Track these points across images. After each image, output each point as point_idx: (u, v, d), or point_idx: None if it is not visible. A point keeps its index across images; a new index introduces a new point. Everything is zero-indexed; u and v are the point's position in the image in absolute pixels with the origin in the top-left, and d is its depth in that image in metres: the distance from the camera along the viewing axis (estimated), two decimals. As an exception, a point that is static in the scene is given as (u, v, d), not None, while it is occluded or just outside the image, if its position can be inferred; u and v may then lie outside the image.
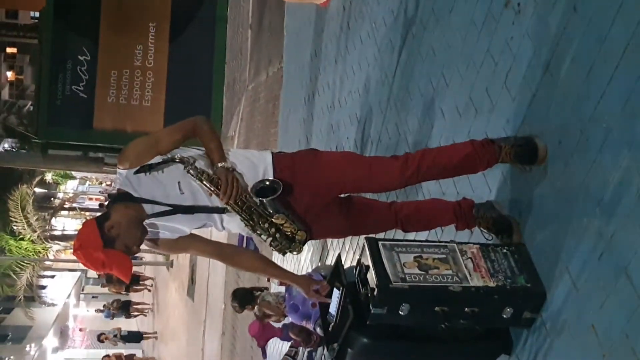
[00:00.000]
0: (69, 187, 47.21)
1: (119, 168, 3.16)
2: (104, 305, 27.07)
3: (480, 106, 3.86)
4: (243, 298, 7.06)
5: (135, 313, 27.96)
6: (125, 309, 26.47)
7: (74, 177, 44.36)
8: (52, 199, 38.73)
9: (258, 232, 3.20)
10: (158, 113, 12.66)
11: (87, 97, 12.36)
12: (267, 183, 3.15)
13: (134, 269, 29.87)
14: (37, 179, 27.85)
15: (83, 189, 50.08)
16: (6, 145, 29.46)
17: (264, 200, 3.13)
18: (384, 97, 5.40)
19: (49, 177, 36.93)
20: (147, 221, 3.15)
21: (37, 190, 29.67)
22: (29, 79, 44.85)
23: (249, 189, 3.14)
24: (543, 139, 3.20)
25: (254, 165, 3.25)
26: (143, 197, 3.14)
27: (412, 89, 4.86)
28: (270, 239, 3.19)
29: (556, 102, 3.18)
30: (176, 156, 3.15)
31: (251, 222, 3.18)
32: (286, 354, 6.89)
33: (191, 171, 3.11)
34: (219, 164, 3.12)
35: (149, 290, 28.69)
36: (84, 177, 47.11)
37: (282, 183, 3.15)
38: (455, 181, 3.87)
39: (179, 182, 3.16)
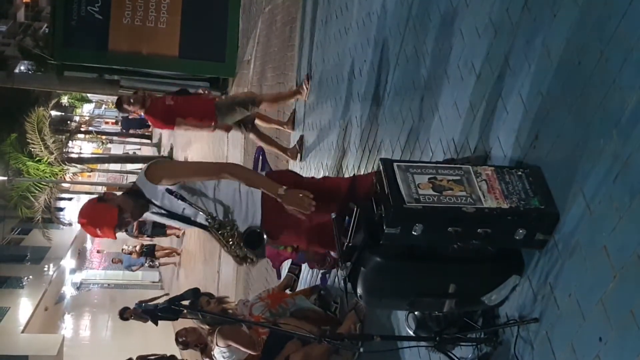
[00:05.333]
0: (85, 110, 47.29)
1: (145, 177, 3.72)
2: (122, 250, 22.89)
3: (499, 27, 3.80)
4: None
5: (162, 261, 23.79)
6: (150, 254, 22.49)
7: (90, 101, 44.38)
8: (68, 122, 38.89)
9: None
10: (173, 35, 12.56)
11: (102, 18, 12.27)
12: (258, 231, 3.86)
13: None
14: (54, 101, 27.85)
15: (99, 113, 50.16)
16: (22, 68, 29.45)
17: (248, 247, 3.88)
18: (402, 18, 5.31)
19: (65, 100, 36.96)
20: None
21: (54, 113, 29.73)
22: (44, 0, 44.50)
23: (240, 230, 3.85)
24: (564, 59, 3.17)
25: (242, 207, 3.85)
26: (151, 200, 3.76)
27: (431, 9, 4.78)
28: (226, 248, 3.87)
29: (577, 22, 3.12)
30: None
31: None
32: (289, 271, 6.99)
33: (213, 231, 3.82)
34: (279, 193, 3.67)
35: (178, 237, 24.02)
36: (100, 100, 47.12)
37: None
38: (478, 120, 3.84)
39: (183, 209, 3.80)
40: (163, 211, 3.80)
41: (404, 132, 5.02)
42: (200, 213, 3.81)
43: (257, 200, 3.86)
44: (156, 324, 4.54)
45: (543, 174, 3.15)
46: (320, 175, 6.55)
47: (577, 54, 3.07)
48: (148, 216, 3.89)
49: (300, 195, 3.65)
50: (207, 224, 3.81)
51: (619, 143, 2.71)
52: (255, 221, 3.87)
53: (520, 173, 3.15)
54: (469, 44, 4.15)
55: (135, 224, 20.61)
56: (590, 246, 2.83)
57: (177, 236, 23.36)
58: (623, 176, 2.68)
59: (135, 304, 7.92)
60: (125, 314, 11.88)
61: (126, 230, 20.59)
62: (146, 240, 23.12)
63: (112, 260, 24.54)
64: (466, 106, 4.04)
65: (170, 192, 3.73)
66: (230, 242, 3.81)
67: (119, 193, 3.94)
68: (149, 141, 39.48)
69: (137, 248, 22.18)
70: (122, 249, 22.68)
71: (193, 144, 21.68)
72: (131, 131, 35.77)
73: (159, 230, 21.97)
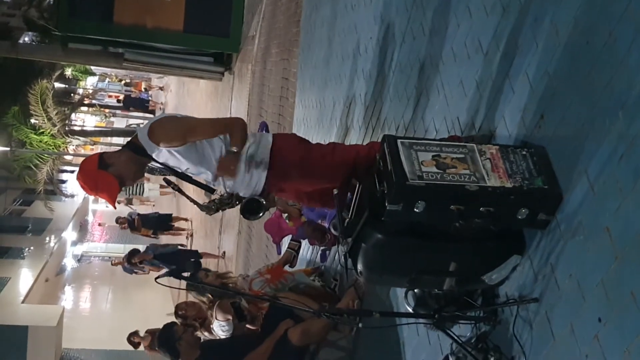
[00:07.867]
0: (89, 83, 47.18)
1: (149, 138, 3.60)
2: (123, 258, 18.27)
3: (508, 5, 3.77)
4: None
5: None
6: None
7: (93, 74, 44.28)
8: (71, 94, 38.80)
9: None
10: (179, 9, 12.52)
11: (107, -10, 12.24)
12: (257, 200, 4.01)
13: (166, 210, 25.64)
14: (57, 73, 27.76)
15: (102, 86, 50.05)
16: (27, 39, 29.32)
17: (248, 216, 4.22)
18: (409, -5, 5.28)
19: (68, 72, 36.86)
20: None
21: (57, 85, 29.65)
22: (49, -29, 44.18)
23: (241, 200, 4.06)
24: (572, 38, 3.14)
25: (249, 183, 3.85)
26: (154, 157, 3.67)
27: (438, -13, 4.74)
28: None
29: (586, 1, 3.09)
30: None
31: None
32: (289, 247, 6.99)
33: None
34: (232, 149, 3.69)
35: (187, 238, 21.11)
36: (104, 73, 47.02)
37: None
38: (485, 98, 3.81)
39: (187, 168, 3.78)
40: (165, 167, 3.76)
41: (409, 110, 5.00)
42: (202, 174, 3.83)
43: (262, 175, 3.82)
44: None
45: (548, 153, 3.14)
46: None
47: (585, 34, 3.04)
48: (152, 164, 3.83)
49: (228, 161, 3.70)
50: (210, 185, 3.92)
51: (624, 124, 2.70)
52: (257, 190, 3.87)
53: (524, 152, 3.14)
54: (477, 22, 4.12)
55: (137, 220, 18.78)
56: (592, 227, 2.82)
57: (187, 235, 21.05)
58: (628, 157, 2.66)
59: (147, 246, 7.87)
60: (133, 258, 11.33)
61: (130, 228, 19.69)
62: (152, 238, 20.86)
63: (111, 263, 23.24)
64: (472, 85, 4.02)
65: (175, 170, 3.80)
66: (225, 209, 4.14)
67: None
68: (152, 116, 39.49)
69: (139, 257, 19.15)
70: (123, 257, 19.90)
71: (197, 103, 21.63)
72: (132, 109, 35.75)
73: (165, 225, 19.91)
